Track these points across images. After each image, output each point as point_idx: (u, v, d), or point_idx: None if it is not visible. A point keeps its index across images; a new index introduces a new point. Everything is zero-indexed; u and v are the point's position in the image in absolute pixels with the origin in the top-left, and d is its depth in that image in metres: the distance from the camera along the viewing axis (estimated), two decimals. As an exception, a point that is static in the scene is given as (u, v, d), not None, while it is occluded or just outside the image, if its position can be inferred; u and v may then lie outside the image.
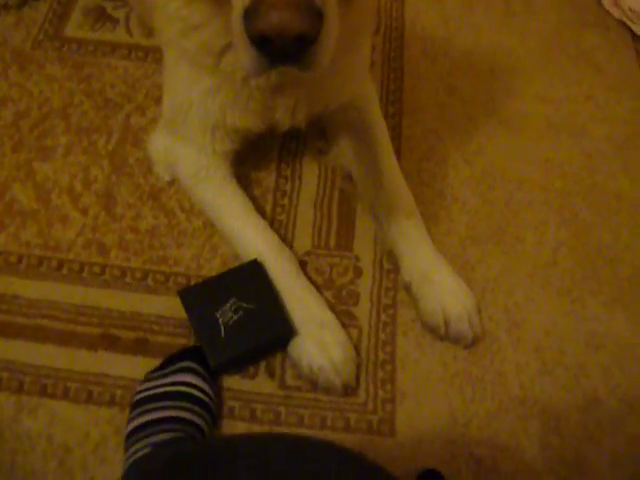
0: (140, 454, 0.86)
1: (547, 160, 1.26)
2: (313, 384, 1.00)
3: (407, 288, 1.08)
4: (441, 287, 1.05)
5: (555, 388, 1.04)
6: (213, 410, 0.96)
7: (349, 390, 1.01)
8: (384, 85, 1.34)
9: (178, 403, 0.92)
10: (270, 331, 0.99)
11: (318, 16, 0.61)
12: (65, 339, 1.05)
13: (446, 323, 1.04)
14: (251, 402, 1.01)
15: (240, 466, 0.53)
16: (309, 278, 1.08)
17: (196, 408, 0.93)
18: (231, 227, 1.09)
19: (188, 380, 0.95)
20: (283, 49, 0.61)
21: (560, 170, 1.25)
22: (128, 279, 1.11)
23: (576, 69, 1.41)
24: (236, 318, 0.98)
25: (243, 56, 0.65)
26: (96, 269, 1.12)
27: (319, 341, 0.99)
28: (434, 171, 1.23)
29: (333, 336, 1.00)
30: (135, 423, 0.91)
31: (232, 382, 1.02)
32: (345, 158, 1.19)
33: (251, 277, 1.02)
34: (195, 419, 0.91)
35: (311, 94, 1.00)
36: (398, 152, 1.24)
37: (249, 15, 0.60)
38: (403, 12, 1.47)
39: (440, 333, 1.05)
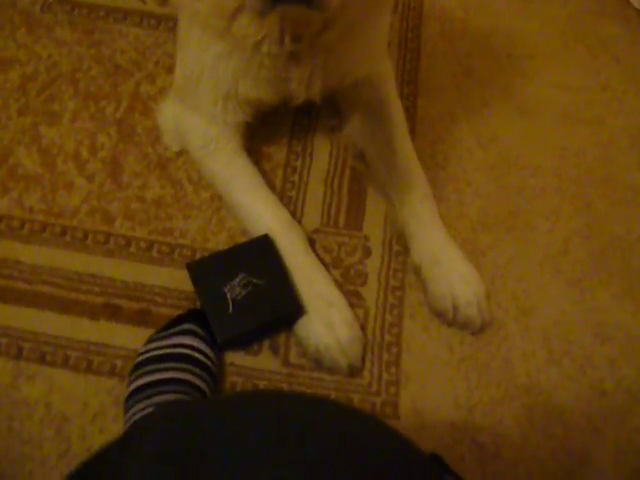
0: (141, 414, 0.84)
1: (562, 148, 1.24)
2: (318, 363, 0.99)
3: (417, 270, 1.07)
4: (451, 271, 1.03)
5: (561, 378, 1.02)
6: (215, 374, 0.95)
7: (354, 371, 0.99)
8: (400, 65, 1.32)
9: (179, 365, 0.90)
10: (279, 308, 0.97)
11: None
12: (66, 307, 1.04)
13: (455, 308, 1.02)
14: (253, 378, 0.99)
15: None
16: (317, 256, 1.06)
17: (197, 370, 0.91)
18: (240, 201, 1.07)
19: (189, 342, 0.93)
20: None
21: (575, 159, 1.23)
22: (133, 249, 1.09)
23: (594, 58, 1.38)
24: (245, 293, 0.96)
25: None
26: (100, 237, 1.09)
27: (326, 320, 0.97)
28: (448, 154, 1.21)
29: (340, 315, 0.98)
30: (136, 384, 0.90)
31: (235, 357, 1.01)
32: (358, 136, 1.16)
33: (261, 252, 1.00)
34: (197, 381, 0.90)
35: (326, 66, 0.97)
36: (412, 133, 1.22)
37: None
38: (422, -8, 1.44)
39: (448, 318, 1.03)
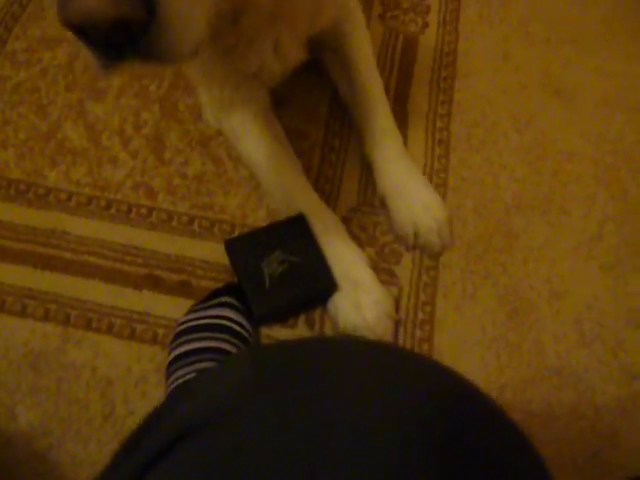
0: (184, 379, 0.88)
1: (599, 134, 1.24)
2: None
3: (382, 200, 1.12)
4: (413, 200, 1.07)
5: (592, 361, 1.03)
6: (252, 345, 0.98)
7: None
8: (437, 48, 1.32)
9: (218, 335, 0.94)
10: (313, 284, 1.00)
11: None
12: (111, 277, 1.08)
13: (416, 234, 1.07)
14: (289, 351, 1.02)
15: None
16: (352, 234, 1.08)
17: (235, 341, 0.94)
18: (269, 184, 1.10)
19: (227, 315, 0.96)
20: (107, 40, 0.50)
21: (612, 146, 1.23)
22: (174, 223, 1.12)
23: (636, 45, 1.36)
24: (281, 270, 0.99)
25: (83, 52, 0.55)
26: (143, 211, 1.13)
27: (354, 300, 1.00)
28: (483, 137, 1.22)
29: (368, 295, 1.00)
30: (177, 352, 0.93)
31: (271, 330, 1.04)
32: (332, 75, 1.20)
33: (297, 231, 1.02)
34: (235, 351, 0.93)
35: (283, 34, 0.93)
36: (448, 116, 1.23)
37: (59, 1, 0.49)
38: (461, -25, 1.43)
39: (409, 243, 1.09)
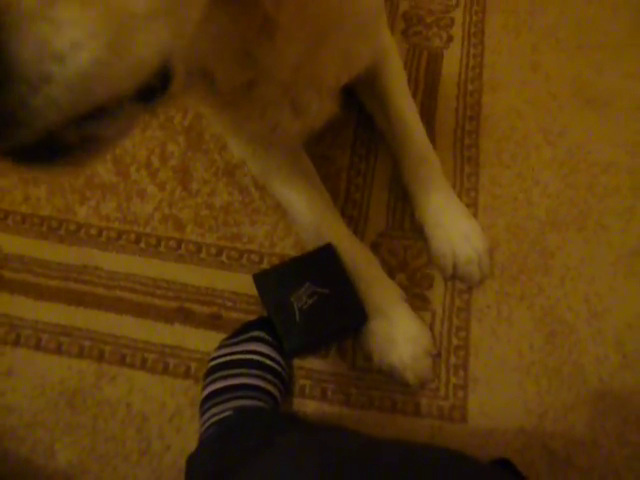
0: (218, 417, 0.88)
1: (636, 143, 1.19)
2: (389, 377, 0.99)
3: (420, 230, 1.09)
4: (452, 230, 1.05)
5: (637, 383, 0.99)
6: (285, 379, 0.98)
7: (424, 383, 1.00)
8: (463, 61, 1.29)
9: (252, 371, 0.93)
10: (345, 317, 0.98)
11: None
12: (143, 311, 1.09)
13: (455, 265, 1.05)
14: (322, 382, 1.02)
15: None
16: (382, 260, 1.07)
17: (269, 377, 0.94)
18: (298, 218, 1.07)
19: (260, 349, 0.96)
20: None
21: (650, 154, 1.18)
22: (203, 254, 1.12)
23: (670, 45, 1.32)
24: (310, 303, 0.97)
25: None
26: (172, 243, 1.14)
27: (388, 338, 0.97)
28: (514, 152, 1.19)
29: (403, 333, 0.98)
30: (211, 389, 0.93)
31: (304, 361, 1.03)
32: (371, 111, 1.18)
33: (325, 262, 1.01)
34: (269, 387, 0.93)
35: (304, 93, 0.84)
36: (477, 131, 1.20)
37: None
38: (485, -16, 1.40)
39: (447, 274, 1.06)
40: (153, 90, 0.43)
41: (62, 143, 0.39)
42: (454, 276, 1.07)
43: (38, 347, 1.07)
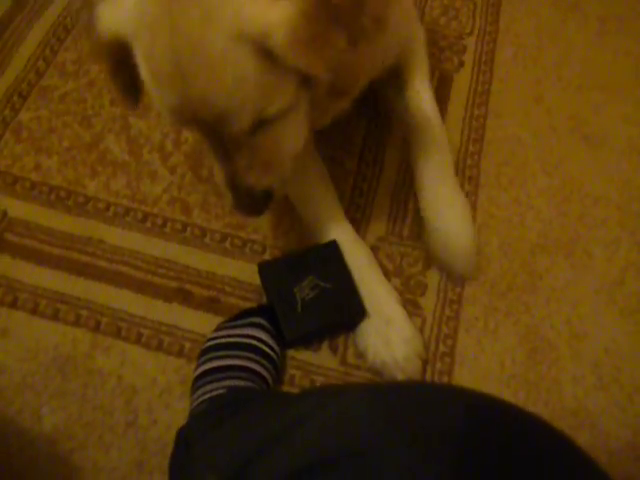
0: (211, 395, 0.90)
1: (626, 181, 1.26)
2: (378, 374, 1.03)
3: (418, 237, 1.14)
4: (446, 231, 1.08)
5: (609, 404, 1.04)
6: (278, 366, 1.01)
7: None
8: (472, 87, 1.36)
9: (247, 354, 0.96)
10: (344, 312, 1.01)
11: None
12: (142, 288, 1.10)
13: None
14: (311, 373, 1.04)
15: None
16: (379, 263, 1.10)
17: (264, 362, 0.96)
18: (307, 214, 1.11)
19: (258, 335, 0.98)
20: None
21: (638, 192, 1.25)
22: (207, 239, 1.15)
23: (666, 96, 1.40)
24: (312, 295, 1.00)
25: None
26: (178, 226, 1.16)
27: (384, 336, 1.00)
28: (513, 176, 1.25)
29: (399, 333, 1.01)
30: (206, 367, 0.95)
31: (295, 352, 1.06)
32: (387, 94, 1.19)
33: (329, 257, 1.04)
34: (264, 372, 0.95)
35: None
36: (479, 153, 1.26)
37: None
38: (498, 18, 1.47)
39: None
40: None
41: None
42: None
43: (35, 311, 1.08)
